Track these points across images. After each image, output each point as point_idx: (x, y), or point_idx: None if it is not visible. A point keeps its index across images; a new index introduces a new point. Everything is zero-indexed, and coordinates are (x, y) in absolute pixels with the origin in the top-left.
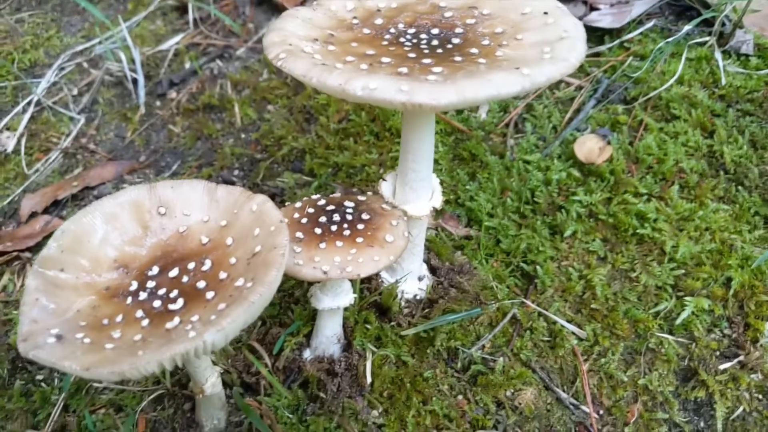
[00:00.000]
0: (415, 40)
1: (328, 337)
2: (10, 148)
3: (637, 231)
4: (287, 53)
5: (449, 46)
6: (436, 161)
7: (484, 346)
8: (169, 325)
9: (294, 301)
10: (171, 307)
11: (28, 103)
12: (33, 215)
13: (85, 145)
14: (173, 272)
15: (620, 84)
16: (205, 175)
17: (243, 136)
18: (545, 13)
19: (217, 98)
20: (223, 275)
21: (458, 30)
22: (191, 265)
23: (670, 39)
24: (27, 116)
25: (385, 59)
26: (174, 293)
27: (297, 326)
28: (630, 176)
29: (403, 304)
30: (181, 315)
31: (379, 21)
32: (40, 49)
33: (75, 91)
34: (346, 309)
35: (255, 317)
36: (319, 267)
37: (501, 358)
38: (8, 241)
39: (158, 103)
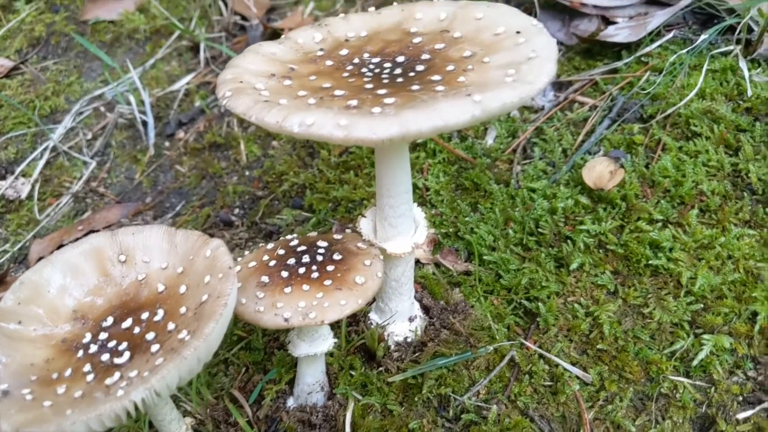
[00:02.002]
0: (377, 70)
1: (310, 384)
2: (24, 195)
3: (651, 262)
4: (234, 91)
5: (411, 74)
6: (437, 192)
7: (478, 393)
8: (108, 380)
9: (278, 346)
10: (116, 360)
11: (45, 149)
12: (40, 260)
13: (95, 189)
14: (126, 323)
15: (636, 101)
16: (204, 215)
17: (247, 173)
18: (518, 32)
19: (223, 136)
20: (171, 326)
21: (424, 56)
22: (144, 315)
23: (688, 49)
24: (42, 162)
25: (338, 92)
26: (123, 345)
27: (276, 373)
28: (644, 201)
29: (392, 347)
30: (123, 370)
31: (344, 52)
32: (60, 95)
33: (90, 136)
34: (330, 354)
35: (193, 372)
36: (280, 314)
37: (495, 406)
38: None
39: (167, 143)
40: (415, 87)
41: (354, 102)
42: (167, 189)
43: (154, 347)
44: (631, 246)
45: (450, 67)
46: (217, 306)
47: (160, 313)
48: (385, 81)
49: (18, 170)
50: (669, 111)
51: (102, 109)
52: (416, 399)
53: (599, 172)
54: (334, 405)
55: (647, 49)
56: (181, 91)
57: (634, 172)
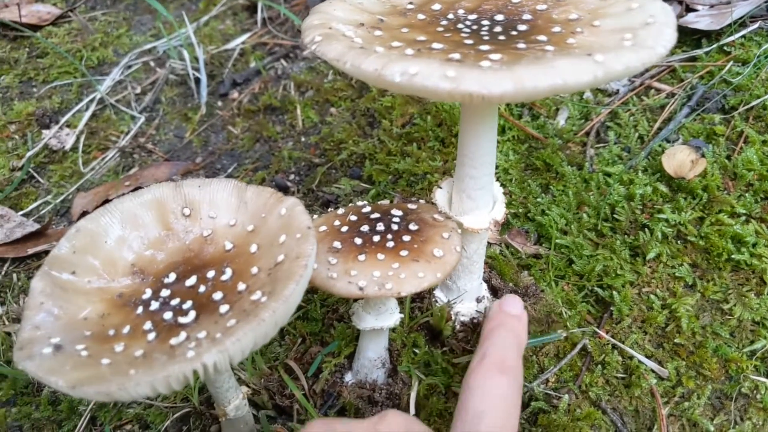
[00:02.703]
0: (474, 27)
1: (371, 360)
2: (68, 146)
3: (733, 256)
4: (324, 36)
5: (513, 32)
6: (506, 170)
7: (548, 380)
8: (173, 341)
9: (338, 318)
10: (181, 320)
11: (91, 101)
12: (84, 214)
13: (143, 145)
14: (191, 281)
15: (718, 91)
16: (259, 179)
17: (303, 139)
18: None
19: (279, 99)
20: (241, 287)
21: (526, 16)
22: (210, 274)
23: None
24: (88, 114)
25: (436, 45)
26: (187, 304)
27: (336, 346)
28: (726, 194)
29: (457, 327)
30: (189, 330)
31: (436, 6)
32: (109, 47)
33: (138, 90)
34: (392, 330)
35: (268, 337)
36: (354, 282)
37: (566, 395)
38: (55, 240)
39: (219, 103)
40: (521, 45)
41: (456, 55)
42: (219, 150)
43: (223, 308)
44: (712, 239)
45: (556, 29)
46: (297, 267)
47: (228, 272)
48: (486, 38)
49: (63, 120)
50: (753, 103)
51: (152, 63)
52: None
53: (680, 160)
54: (397, 383)
55: (730, 39)
56: (236, 50)
57: (715, 162)
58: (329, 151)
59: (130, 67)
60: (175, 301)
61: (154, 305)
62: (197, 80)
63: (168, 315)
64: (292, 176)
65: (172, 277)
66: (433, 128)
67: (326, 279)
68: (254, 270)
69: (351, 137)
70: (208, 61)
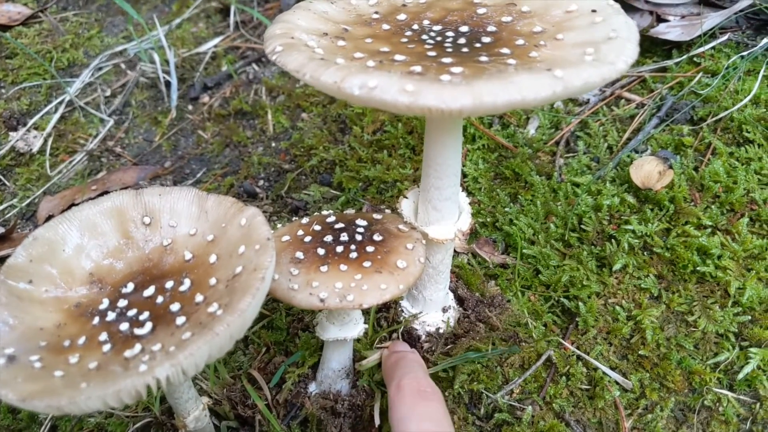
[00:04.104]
0: (439, 38)
1: (335, 371)
2: (35, 148)
3: (698, 268)
4: (285, 47)
5: (477, 45)
6: (475, 179)
7: (512, 391)
8: (128, 353)
9: (303, 327)
10: (137, 331)
11: (60, 103)
12: (50, 218)
13: (111, 148)
14: (149, 291)
15: (687, 102)
16: (227, 185)
17: (273, 144)
18: (593, 10)
19: (250, 104)
20: (199, 298)
21: (490, 28)
22: (169, 284)
23: (745, 53)
24: (57, 116)
25: (399, 57)
26: (144, 315)
27: (300, 356)
28: (693, 205)
29: (423, 337)
30: (145, 342)
31: (402, 17)
32: (80, 49)
33: (108, 92)
34: (357, 340)
35: (224, 350)
36: (316, 293)
37: (530, 407)
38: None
39: (190, 107)
40: (483, 58)
41: (417, 68)
42: (188, 154)
43: (180, 320)
44: (678, 250)
45: (520, 42)
46: (254, 279)
47: (187, 282)
48: (449, 50)
49: (30, 122)
50: (721, 115)
51: (123, 66)
52: (446, 394)
53: (648, 171)
54: (360, 394)
55: (700, 50)
56: (207, 53)
57: (683, 174)
58: (299, 157)
59: (100, 69)
60: (132, 312)
61: (111, 316)
62: (168, 83)
63: (124, 326)
64: (261, 182)
65: (130, 287)
66: (404, 136)
67: (287, 290)
68: (213, 281)
69: (321, 143)
70: (180, 65)
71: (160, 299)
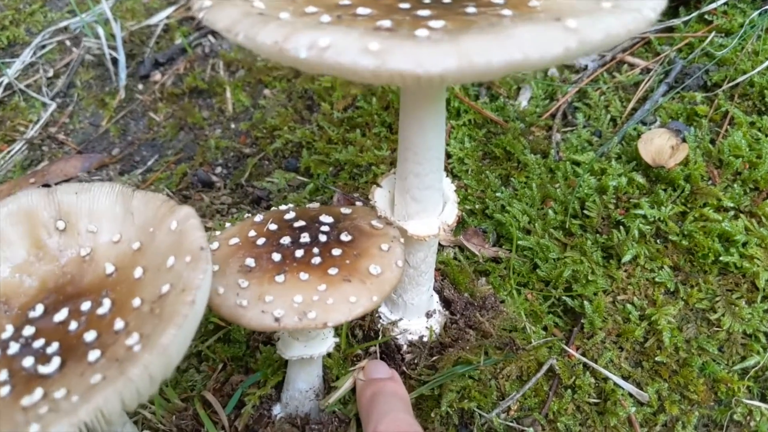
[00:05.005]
0: None
1: (302, 391)
2: None
3: (720, 258)
4: (215, 1)
5: None
6: (461, 160)
7: (509, 409)
8: (26, 400)
9: (264, 339)
10: (42, 369)
11: None
12: None
13: (54, 135)
14: (61, 314)
15: (699, 66)
16: (180, 173)
17: (233, 126)
18: None
19: (207, 81)
20: (119, 324)
21: None
22: (85, 306)
23: (761, 9)
24: None
25: (362, 10)
26: (53, 347)
27: (262, 375)
28: (711, 184)
29: (404, 347)
30: (48, 385)
31: None
32: (21, 25)
33: (51, 73)
34: (327, 356)
35: (143, 395)
36: (269, 310)
37: (531, 428)
38: None
39: (140, 86)
40: (470, 9)
41: (386, 23)
42: (138, 140)
43: (93, 354)
44: (697, 237)
45: None
46: (180, 304)
47: (107, 304)
48: (426, 1)
49: None
50: (739, 79)
51: (68, 43)
52: (432, 414)
53: (658, 146)
54: (333, 422)
55: (711, 6)
56: (159, 26)
57: (698, 148)
58: (261, 140)
59: (43, 47)
60: (38, 343)
61: (14, 347)
62: (114, 60)
63: (28, 362)
64: (219, 169)
65: (39, 309)
66: (379, 112)
67: (234, 307)
68: (136, 302)
69: (286, 123)
70: (128, 39)
71: (73, 326)
